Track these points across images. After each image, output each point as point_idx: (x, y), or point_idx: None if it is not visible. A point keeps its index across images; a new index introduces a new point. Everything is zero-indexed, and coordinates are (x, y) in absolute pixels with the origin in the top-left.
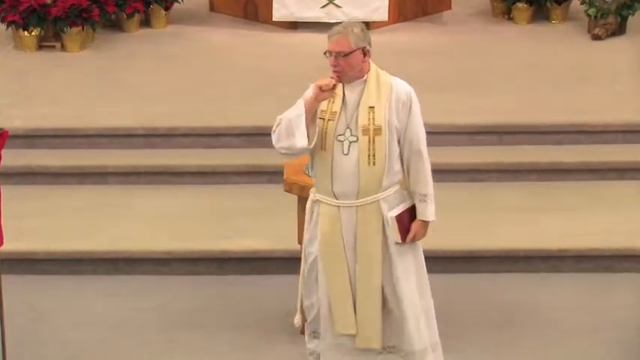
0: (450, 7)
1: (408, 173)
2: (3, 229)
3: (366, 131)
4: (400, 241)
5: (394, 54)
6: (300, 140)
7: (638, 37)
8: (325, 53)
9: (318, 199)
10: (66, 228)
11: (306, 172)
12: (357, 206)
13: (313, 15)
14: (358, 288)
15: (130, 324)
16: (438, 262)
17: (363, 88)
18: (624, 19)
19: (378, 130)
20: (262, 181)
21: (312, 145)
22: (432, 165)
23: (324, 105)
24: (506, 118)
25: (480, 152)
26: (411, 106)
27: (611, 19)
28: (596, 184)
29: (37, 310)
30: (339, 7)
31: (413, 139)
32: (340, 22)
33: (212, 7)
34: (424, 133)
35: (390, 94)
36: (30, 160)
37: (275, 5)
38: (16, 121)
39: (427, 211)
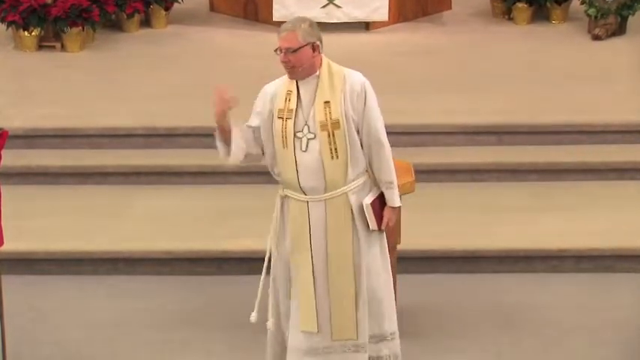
0: (450, 7)
1: (371, 162)
2: (3, 229)
3: (324, 126)
4: (376, 228)
5: (394, 54)
6: (223, 157)
7: (638, 37)
8: (276, 50)
9: (287, 195)
10: (66, 228)
11: (272, 173)
12: (325, 200)
13: (313, 15)
14: (331, 282)
15: (130, 324)
16: (438, 262)
17: (317, 83)
18: (624, 20)
19: (336, 124)
20: (262, 181)
21: (240, 159)
22: (432, 165)
23: (281, 104)
24: (506, 118)
25: (480, 152)
26: (365, 97)
27: (611, 19)
28: (596, 184)
29: (37, 310)
30: (339, 7)
31: (371, 128)
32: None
33: (212, 7)
34: (382, 122)
35: (344, 86)
36: (30, 160)
37: (275, 5)
38: (16, 121)
39: (395, 198)
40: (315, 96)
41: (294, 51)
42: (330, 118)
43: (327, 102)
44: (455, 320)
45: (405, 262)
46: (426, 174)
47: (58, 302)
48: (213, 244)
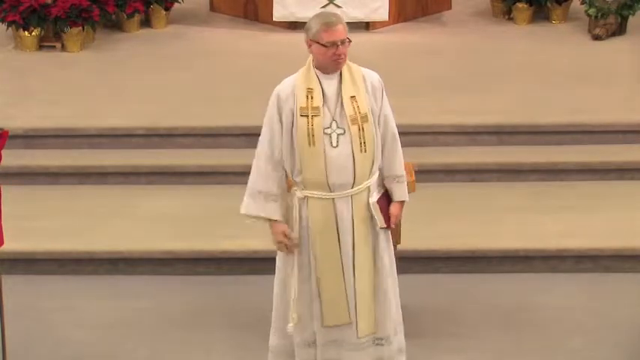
0: (450, 7)
1: (383, 156)
2: (3, 229)
3: (354, 121)
4: (385, 225)
5: (394, 54)
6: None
7: (638, 37)
8: (326, 44)
9: (306, 196)
10: (66, 228)
11: (290, 174)
12: (352, 195)
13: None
14: (358, 277)
15: (130, 324)
16: (438, 262)
17: (339, 79)
18: (624, 19)
19: (365, 118)
20: None
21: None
22: (432, 165)
23: (302, 102)
24: (506, 118)
25: (480, 152)
26: (383, 92)
27: (611, 19)
28: (596, 184)
29: (37, 310)
30: (339, 7)
31: (388, 122)
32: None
33: (212, 7)
34: (393, 117)
35: (365, 82)
36: (30, 160)
37: (275, 5)
38: (16, 121)
39: (405, 192)
40: (339, 91)
41: (349, 42)
42: (359, 112)
43: (353, 97)
44: (455, 320)
45: (405, 262)
46: (426, 174)
47: (58, 302)
48: (214, 244)
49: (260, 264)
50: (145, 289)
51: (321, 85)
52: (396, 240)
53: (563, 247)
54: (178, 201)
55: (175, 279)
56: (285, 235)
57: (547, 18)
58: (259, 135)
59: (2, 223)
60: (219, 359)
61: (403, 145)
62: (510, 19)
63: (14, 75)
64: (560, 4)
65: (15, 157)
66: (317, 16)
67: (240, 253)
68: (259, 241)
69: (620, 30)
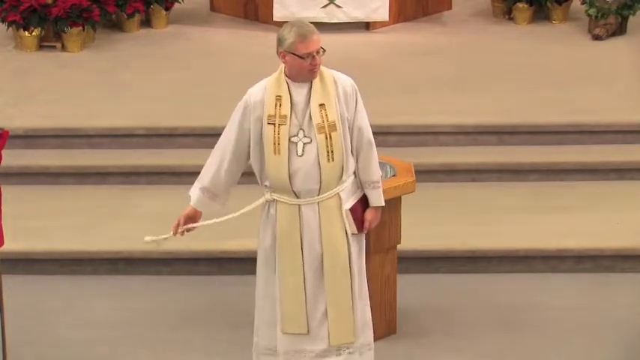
0: (450, 7)
1: (358, 162)
2: (3, 229)
3: (321, 129)
4: (357, 231)
5: (394, 54)
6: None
7: (639, 37)
8: (303, 56)
9: (274, 199)
10: (66, 228)
11: (259, 179)
12: (318, 202)
13: (314, 15)
14: (328, 285)
15: (130, 324)
16: (438, 262)
17: (309, 86)
18: (625, 19)
19: (332, 127)
20: None
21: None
22: (432, 165)
23: (270, 110)
24: (506, 118)
25: (480, 152)
26: (356, 97)
27: (611, 19)
28: (596, 184)
29: (37, 310)
30: (339, 7)
31: (362, 128)
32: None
33: (212, 7)
34: (368, 122)
35: (337, 89)
36: (30, 160)
37: (275, 5)
38: (16, 121)
39: (381, 197)
40: (308, 99)
41: (324, 51)
42: (327, 121)
43: (321, 104)
44: (455, 320)
45: (405, 262)
46: (426, 174)
47: (58, 302)
48: (214, 244)
49: None
50: (145, 289)
51: (290, 93)
52: (396, 240)
53: (563, 247)
54: (178, 201)
55: (175, 279)
56: (182, 221)
57: (547, 18)
58: None
59: (2, 223)
60: (219, 359)
61: (403, 145)
62: (510, 19)
63: (14, 75)
64: (560, 4)
65: (15, 157)
66: (290, 26)
67: (240, 253)
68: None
69: (620, 30)
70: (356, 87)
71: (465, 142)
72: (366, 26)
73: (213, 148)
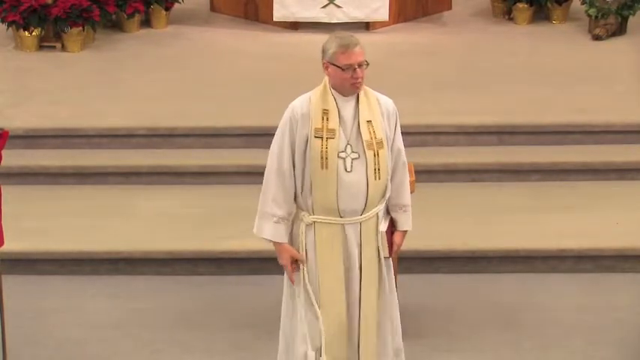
0: (450, 7)
1: (393, 184)
2: (3, 229)
3: (370, 146)
4: (389, 255)
5: (394, 54)
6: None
7: (638, 37)
8: (343, 67)
9: (314, 221)
10: (66, 228)
11: (298, 195)
12: (361, 222)
13: (314, 15)
14: (364, 312)
15: (130, 324)
16: (438, 262)
17: (356, 102)
18: (625, 20)
19: (380, 144)
20: (262, 181)
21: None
22: (432, 165)
23: (317, 123)
24: (506, 118)
25: (480, 152)
26: (396, 119)
27: (611, 19)
28: (596, 184)
29: (37, 310)
30: (339, 7)
31: (401, 150)
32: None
33: (212, 7)
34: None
35: (380, 108)
36: (30, 160)
37: (275, 5)
38: (16, 121)
39: (409, 221)
40: (355, 114)
41: (367, 64)
42: (375, 137)
43: (369, 121)
44: (455, 320)
45: (405, 262)
46: (426, 174)
47: (58, 302)
48: (214, 244)
49: (260, 264)
50: (145, 289)
51: (337, 106)
52: None
53: (563, 247)
54: (178, 201)
55: (176, 279)
56: (291, 260)
57: (547, 18)
58: (259, 135)
59: (2, 223)
60: (219, 359)
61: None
62: (510, 19)
63: (14, 75)
64: (560, 4)
65: (15, 157)
66: (334, 37)
67: (240, 253)
68: (259, 241)
69: (620, 30)
70: (396, 109)
71: (466, 142)
72: (366, 26)
73: (212, 148)
